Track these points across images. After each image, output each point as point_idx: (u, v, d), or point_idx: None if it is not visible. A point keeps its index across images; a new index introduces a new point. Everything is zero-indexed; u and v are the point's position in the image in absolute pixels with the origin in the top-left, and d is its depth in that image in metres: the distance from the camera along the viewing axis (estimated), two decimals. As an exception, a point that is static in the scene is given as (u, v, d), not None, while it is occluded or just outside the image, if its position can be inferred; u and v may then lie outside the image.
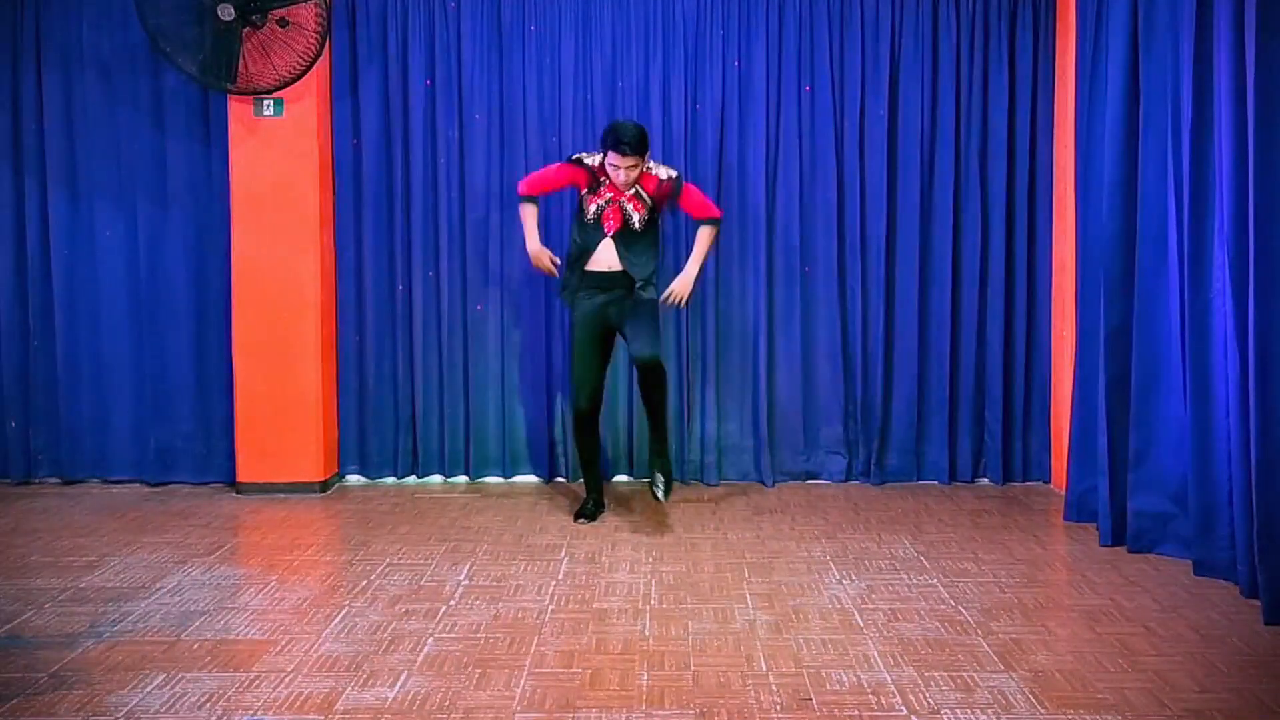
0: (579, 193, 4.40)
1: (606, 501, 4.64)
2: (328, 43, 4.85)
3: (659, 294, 4.42)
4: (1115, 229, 4.13)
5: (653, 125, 5.01)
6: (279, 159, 4.84)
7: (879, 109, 5.02)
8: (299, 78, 4.64)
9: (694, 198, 4.48)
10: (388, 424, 5.16)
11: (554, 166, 4.53)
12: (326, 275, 5.00)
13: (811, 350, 5.12)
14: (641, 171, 4.29)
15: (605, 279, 4.35)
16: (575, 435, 4.53)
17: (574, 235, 4.42)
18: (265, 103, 4.79)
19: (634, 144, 4.19)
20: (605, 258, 4.33)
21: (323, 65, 4.91)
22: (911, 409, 5.11)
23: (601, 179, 4.32)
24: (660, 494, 4.29)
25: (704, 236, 4.48)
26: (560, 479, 5.19)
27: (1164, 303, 3.93)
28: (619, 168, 4.21)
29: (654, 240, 4.43)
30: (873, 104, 5.03)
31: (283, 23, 4.57)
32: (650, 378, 4.24)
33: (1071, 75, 4.70)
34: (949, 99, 5.02)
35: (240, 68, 4.57)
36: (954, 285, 5.08)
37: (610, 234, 4.31)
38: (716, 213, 4.51)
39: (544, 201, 4.70)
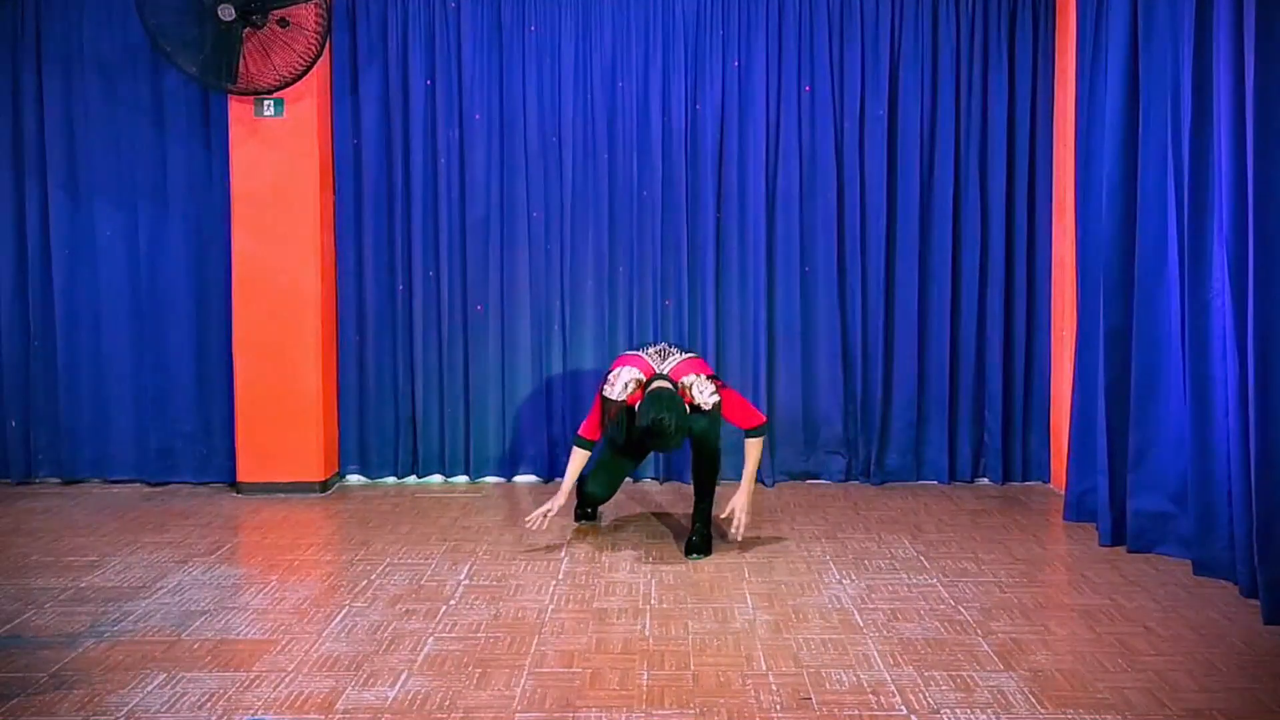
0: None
1: (611, 501, 4.57)
2: (328, 43, 4.85)
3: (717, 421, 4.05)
4: (1115, 229, 4.13)
5: (652, 125, 5.02)
6: (279, 159, 4.84)
7: (879, 109, 5.02)
8: (299, 78, 4.64)
9: (735, 408, 4.02)
10: (388, 424, 5.17)
11: (594, 405, 4.13)
12: (326, 275, 5.01)
13: (811, 350, 5.12)
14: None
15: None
16: (580, 496, 4.35)
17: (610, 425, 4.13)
18: (265, 103, 4.79)
19: (673, 442, 3.82)
20: None
21: (323, 65, 4.91)
22: (911, 409, 5.11)
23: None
24: (693, 555, 3.97)
25: (752, 450, 4.01)
26: (560, 479, 5.17)
27: (1164, 303, 3.93)
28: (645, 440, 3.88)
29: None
30: (873, 104, 5.03)
31: (283, 23, 4.57)
32: (699, 451, 4.01)
33: (1071, 75, 4.70)
34: (949, 99, 5.02)
35: (240, 68, 4.58)
36: (954, 285, 5.08)
37: None
38: (761, 419, 4.07)
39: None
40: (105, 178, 5.01)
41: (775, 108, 5.04)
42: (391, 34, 5.02)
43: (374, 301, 5.11)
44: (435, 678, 2.88)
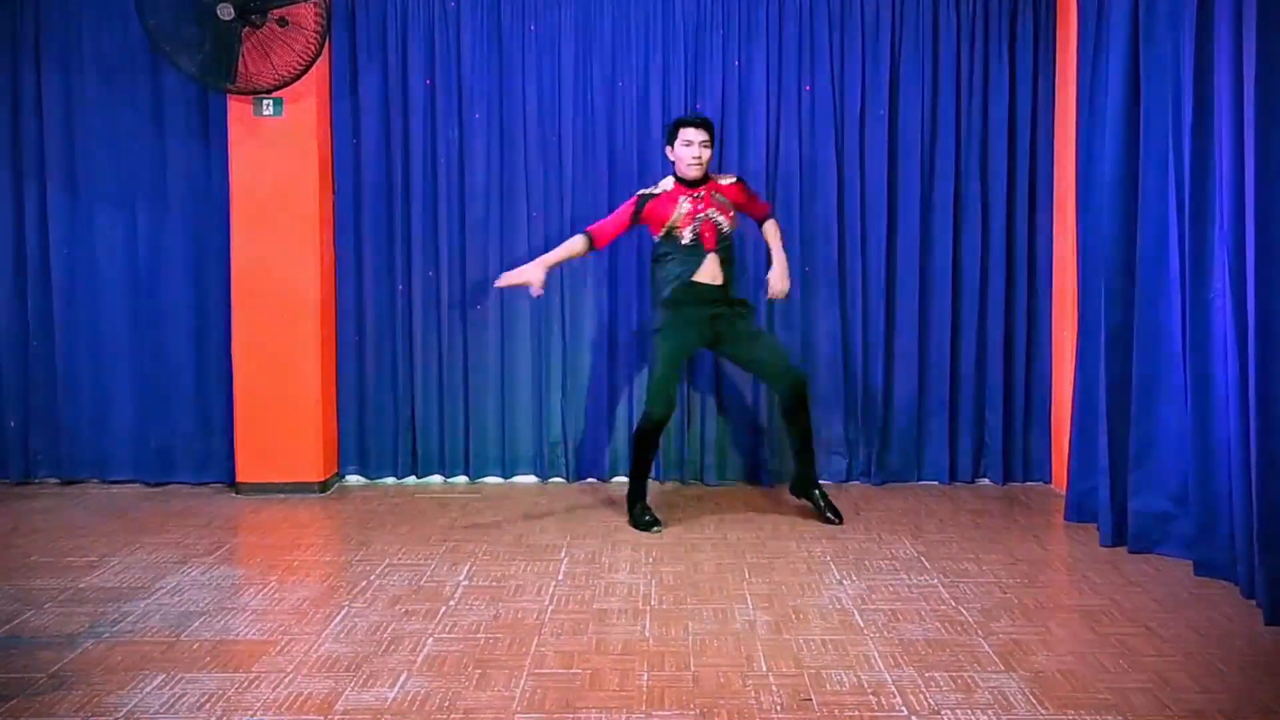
0: (664, 228, 4.25)
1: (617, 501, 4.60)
2: (328, 42, 4.85)
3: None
4: (1115, 229, 4.12)
5: (652, 126, 5.02)
6: (279, 159, 4.84)
7: (879, 109, 5.02)
8: (299, 77, 4.64)
9: (758, 196, 4.53)
10: (388, 424, 5.16)
11: (621, 207, 4.39)
12: (326, 275, 5.00)
13: (812, 350, 5.12)
14: (711, 154, 4.29)
15: (711, 291, 4.26)
16: (640, 442, 4.33)
17: (668, 271, 4.27)
18: (265, 102, 4.79)
19: (700, 118, 4.29)
20: (709, 271, 4.26)
21: (323, 65, 4.91)
22: (912, 409, 5.11)
23: (680, 201, 4.23)
24: (832, 516, 4.42)
25: (774, 229, 4.48)
26: (558, 479, 5.18)
27: (1164, 303, 3.93)
28: (692, 143, 4.20)
29: (736, 258, 4.51)
30: (873, 104, 5.02)
31: (282, 22, 4.57)
32: (800, 399, 4.32)
33: (1072, 74, 4.70)
34: (949, 99, 5.01)
35: (240, 67, 4.57)
36: (954, 285, 5.08)
37: (712, 249, 4.24)
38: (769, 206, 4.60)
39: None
40: (105, 177, 5.01)
41: (775, 107, 5.04)
42: (391, 34, 5.01)
43: (374, 301, 5.11)
44: (435, 678, 2.87)
